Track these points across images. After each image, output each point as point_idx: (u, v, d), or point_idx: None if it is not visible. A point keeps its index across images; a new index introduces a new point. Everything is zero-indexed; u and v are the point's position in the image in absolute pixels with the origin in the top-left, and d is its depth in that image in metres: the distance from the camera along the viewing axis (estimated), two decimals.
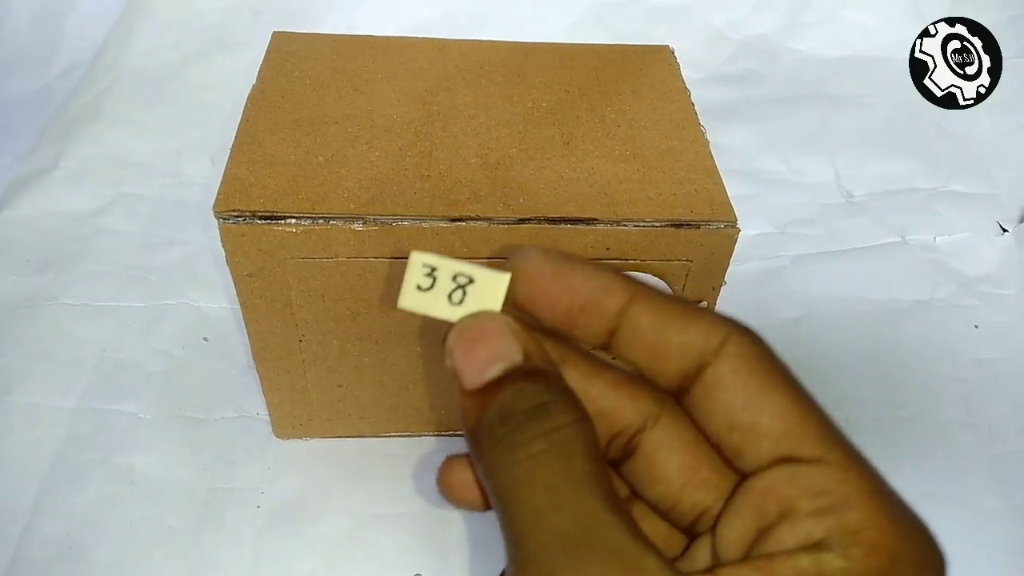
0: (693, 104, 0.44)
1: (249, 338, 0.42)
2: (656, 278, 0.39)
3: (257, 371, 0.44)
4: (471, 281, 0.25)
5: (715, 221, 0.38)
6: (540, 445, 0.22)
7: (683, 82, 0.46)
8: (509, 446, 0.22)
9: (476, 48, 0.47)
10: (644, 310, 0.23)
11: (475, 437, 0.23)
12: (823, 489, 0.22)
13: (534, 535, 0.21)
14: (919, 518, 0.22)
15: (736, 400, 0.23)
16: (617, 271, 0.24)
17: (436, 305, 0.25)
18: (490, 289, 0.25)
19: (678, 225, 0.37)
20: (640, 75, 0.46)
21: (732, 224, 0.38)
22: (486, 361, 0.23)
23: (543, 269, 0.23)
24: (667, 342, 0.23)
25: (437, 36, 0.48)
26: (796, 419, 0.23)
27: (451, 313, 0.25)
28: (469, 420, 0.23)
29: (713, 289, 0.41)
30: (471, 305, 0.25)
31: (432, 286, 0.25)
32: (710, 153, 0.41)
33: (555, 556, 0.20)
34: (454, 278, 0.25)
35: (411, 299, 0.25)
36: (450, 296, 0.25)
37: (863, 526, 0.21)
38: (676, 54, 0.48)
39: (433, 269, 0.26)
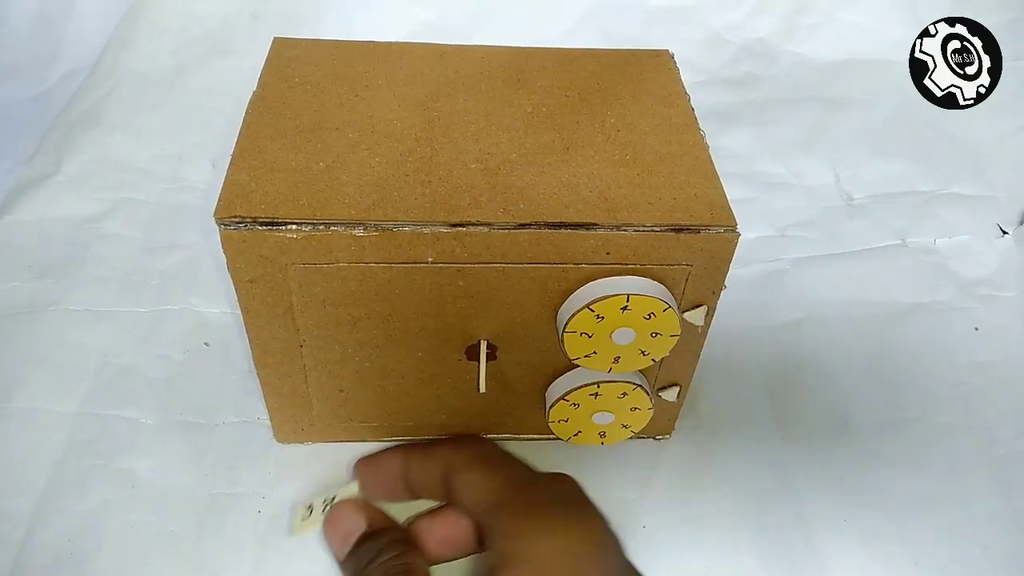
0: (693, 108, 0.44)
1: (250, 343, 0.42)
2: (655, 282, 0.39)
3: (258, 376, 0.44)
4: (334, 497, 0.42)
5: (715, 225, 0.38)
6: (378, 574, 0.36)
7: (683, 86, 0.46)
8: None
9: (476, 53, 0.47)
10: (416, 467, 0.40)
11: None
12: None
13: None
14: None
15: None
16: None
17: (317, 520, 0.41)
18: (348, 494, 0.42)
19: (678, 229, 0.37)
20: (640, 79, 0.46)
21: (732, 228, 0.38)
22: (343, 538, 0.39)
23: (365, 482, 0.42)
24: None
25: (436, 40, 0.48)
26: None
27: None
28: None
29: (713, 293, 0.41)
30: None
31: (311, 513, 0.42)
32: (710, 157, 0.41)
33: None
34: (323, 501, 0.42)
35: (298, 528, 0.42)
36: (324, 511, 0.41)
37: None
38: (675, 58, 0.48)
39: (308, 506, 0.43)
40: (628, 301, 0.38)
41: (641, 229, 0.37)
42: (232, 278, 0.39)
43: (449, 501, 0.39)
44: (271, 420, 0.48)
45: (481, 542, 0.38)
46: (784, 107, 0.75)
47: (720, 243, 0.38)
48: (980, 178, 0.70)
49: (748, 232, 0.64)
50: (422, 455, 0.40)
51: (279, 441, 0.49)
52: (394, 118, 0.42)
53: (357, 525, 0.39)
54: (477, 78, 0.45)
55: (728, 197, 0.39)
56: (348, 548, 0.39)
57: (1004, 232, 0.67)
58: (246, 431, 0.50)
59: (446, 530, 0.39)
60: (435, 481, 0.39)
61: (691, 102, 0.45)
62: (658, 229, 0.37)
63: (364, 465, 0.42)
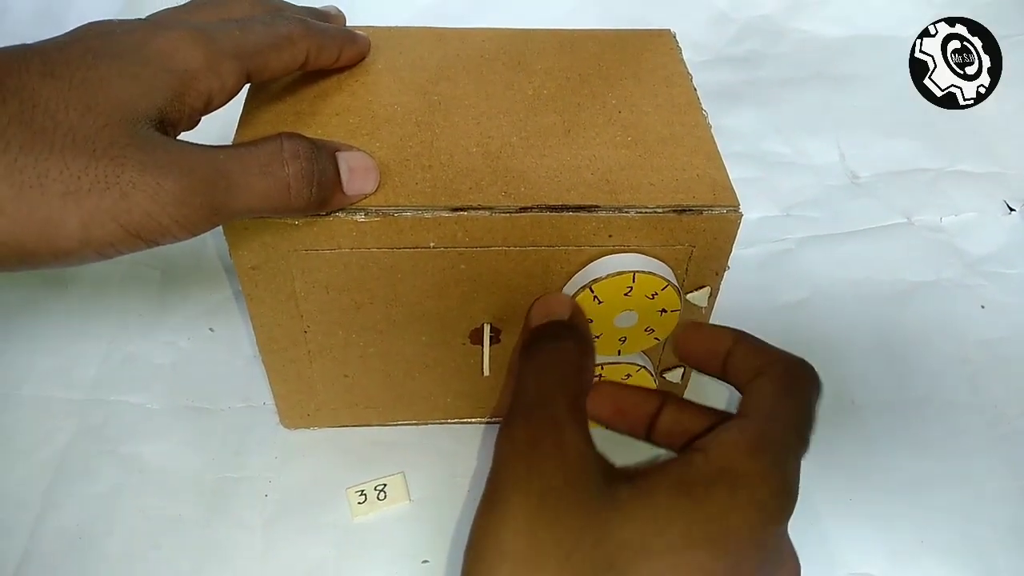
0: (695, 88, 0.44)
1: (254, 330, 0.42)
2: (659, 262, 0.39)
3: (263, 362, 0.45)
4: (385, 484, 0.47)
5: (717, 206, 0.37)
6: (543, 354, 0.36)
7: (685, 66, 0.46)
8: (530, 350, 0.37)
9: (476, 36, 0.47)
10: (741, 351, 0.37)
11: (521, 349, 0.38)
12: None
13: (514, 401, 0.34)
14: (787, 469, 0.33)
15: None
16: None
17: (377, 506, 0.46)
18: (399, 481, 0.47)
19: (680, 211, 0.37)
20: (641, 60, 0.46)
21: (735, 209, 0.38)
22: (545, 315, 0.39)
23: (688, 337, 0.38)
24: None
25: (436, 23, 0.47)
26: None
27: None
28: (522, 343, 0.41)
29: (716, 274, 0.41)
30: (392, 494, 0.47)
31: (365, 499, 0.46)
32: (712, 138, 0.41)
33: (517, 414, 0.33)
34: (375, 488, 0.46)
35: (357, 514, 0.46)
36: (377, 497, 0.46)
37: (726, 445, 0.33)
38: (678, 37, 0.48)
39: (360, 491, 0.46)
40: (634, 280, 0.38)
41: (643, 211, 0.37)
42: (235, 265, 0.39)
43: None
44: (277, 405, 0.48)
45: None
46: (789, 86, 0.75)
47: (723, 223, 0.38)
48: (986, 155, 0.70)
49: (752, 212, 0.64)
50: (757, 345, 0.37)
51: (285, 426, 0.49)
52: (394, 103, 0.41)
53: (562, 311, 0.39)
54: (477, 61, 0.45)
55: (732, 177, 0.39)
56: (541, 321, 0.39)
57: (1011, 209, 0.66)
58: (252, 416, 0.50)
59: (631, 404, 0.38)
60: (746, 379, 0.36)
61: (694, 82, 0.44)
62: (660, 210, 0.37)
63: (695, 326, 0.39)
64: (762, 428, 0.33)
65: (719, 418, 0.37)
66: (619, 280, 0.38)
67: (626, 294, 0.39)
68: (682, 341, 0.39)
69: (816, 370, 0.36)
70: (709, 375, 0.38)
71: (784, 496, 0.33)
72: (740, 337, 0.37)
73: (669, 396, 0.39)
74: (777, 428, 0.34)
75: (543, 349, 0.37)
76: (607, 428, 0.38)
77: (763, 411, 0.34)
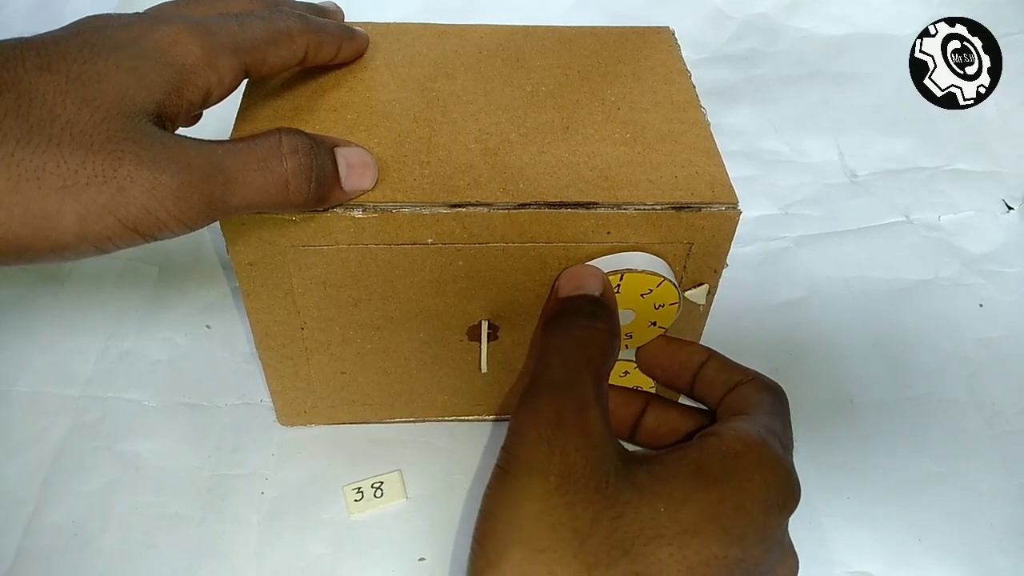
0: (694, 85, 0.44)
1: (251, 326, 0.42)
2: (657, 258, 0.39)
3: (260, 359, 0.44)
4: (382, 482, 0.47)
5: (716, 203, 0.37)
6: (574, 331, 0.36)
7: (684, 63, 0.45)
8: (559, 324, 0.37)
9: (475, 33, 0.46)
10: (712, 367, 0.39)
11: (546, 318, 0.39)
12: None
13: (539, 376, 0.34)
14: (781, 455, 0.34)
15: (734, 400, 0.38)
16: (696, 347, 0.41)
17: (374, 504, 0.46)
18: (396, 479, 0.47)
19: (679, 208, 0.37)
20: (640, 57, 0.46)
21: (733, 206, 0.38)
22: (576, 287, 0.38)
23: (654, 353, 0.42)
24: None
25: (435, 19, 0.47)
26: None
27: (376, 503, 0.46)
28: (547, 312, 0.39)
29: (715, 271, 0.41)
30: (389, 492, 0.46)
31: (362, 497, 0.46)
32: (711, 135, 0.41)
33: (542, 389, 0.33)
34: (371, 485, 0.46)
35: (353, 511, 0.46)
36: (374, 495, 0.46)
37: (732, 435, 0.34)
38: (677, 35, 0.48)
39: (357, 488, 0.46)
40: (621, 280, 0.38)
41: (642, 208, 0.37)
42: (232, 261, 0.39)
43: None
44: (274, 402, 0.48)
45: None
46: (787, 84, 0.75)
47: (721, 221, 0.38)
48: (985, 154, 0.70)
49: (751, 210, 0.64)
50: (728, 363, 0.40)
51: (282, 423, 0.49)
52: (392, 99, 0.41)
53: (594, 287, 0.38)
54: (476, 58, 0.45)
55: (730, 175, 0.39)
56: (571, 293, 0.38)
57: (1009, 208, 0.66)
58: (249, 413, 0.50)
59: (615, 405, 0.39)
60: (721, 390, 0.38)
61: (693, 79, 0.44)
62: (659, 207, 0.37)
63: (662, 342, 0.41)
64: (768, 424, 0.35)
65: (704, 418, 0.38)
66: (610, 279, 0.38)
67: (616, 292, 0.39)
68: (650, 355, 0.41)
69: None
70: (674, 389, 0.40)
71: (790, 489, 0.34)
72: (711, 353, 0.40)
73: (653, 397, 0.40)
74: (778, 426, 0.35)
75: (574, 324, 0.36)
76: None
77: (763, 410, 0.36)
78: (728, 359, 0.40)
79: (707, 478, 0.32)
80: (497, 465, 0.33)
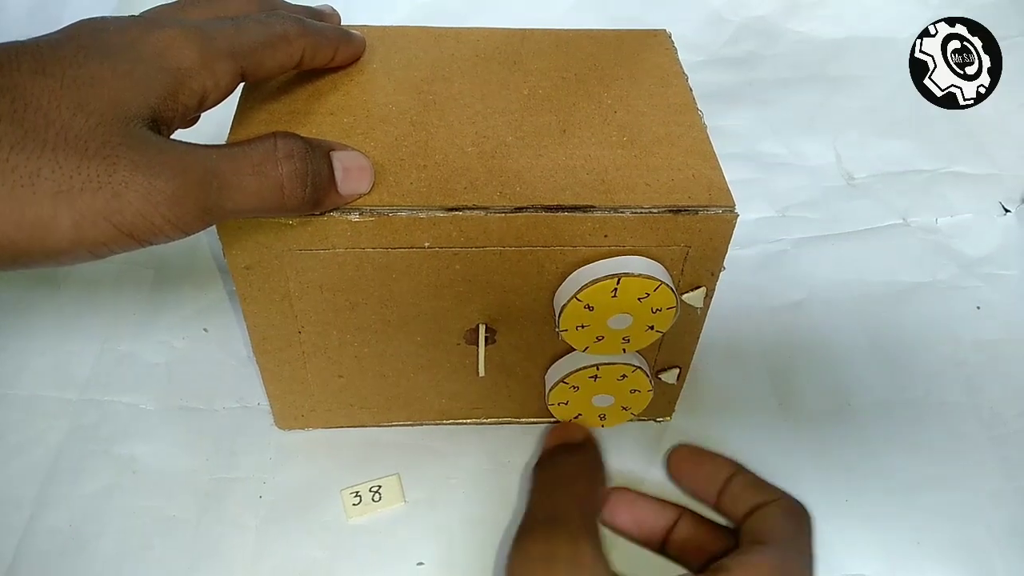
0: (691, 88, 0.44)
1: (248, 330, 0.42)
2: (654, 262, 0.39)
3: (257, 363, 0.44)
4: (380, 486, 0.46)
5: (713, 206, 0.37)
6: (559, 468, 0.39)
7: (680, 66, 0.45)
8: (544, 466, 0.40)
9: (471, 36, 0.46)
10: (739, 483, 0.37)
11: (536, 465, 0.41)
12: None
13: (529, 515, 0.36)
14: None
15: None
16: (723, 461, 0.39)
17: (372, 508, 0.46)
18: (394, 483, 0.47)
19: (676, 211, 0.37)
20: (637, 60, 0.46)
21: (730, 209, 0.37)
22: (560, 438, 0.43)
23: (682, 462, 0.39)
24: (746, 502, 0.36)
25: (431, 22, 0.47)
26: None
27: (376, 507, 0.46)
28: (537, 463, 0.41)
29: (712, 274, 0.41)
30: (387, 496, 0.46)
31: (360, 501, 0.46)
32: (708, 138, 0.41)
33: (533, 528, 0.35)
34: (369, 489, 0.46)
35: (352, 515, 0.46)
36: (372, 499, 0.46)
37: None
38: (674, 37, 0.48)
39: (355, 492, 0.46)
40: (618, 284, 0.38)
41: (639, 211, 0.37)
42: (229, 265, 0.39)
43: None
44: (271, 406, 0.48)
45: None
46: (785, 86, 0.74)
47: (719, 224, 0.38)
48: (982, 156, 0.70)
49: (749, 213, 0.64)
50: (756, 478, 0.38)
51: (279, 427, 0.49)
52: (389, 102, 0.41)
53: (577, 437, 0.42)
54: (473, 61, 0.45)
55: (728, 178, 0.39)
56: (556, 444, 0.42)
57: (1006, 210, 0.66)
58: (246, 416, 0.50)
59: (648, 515, 0.39)
60: (745, 509, 0.36)
61: (690, 82, 0.44)
62: (656, 211, 0.37)
63: (690, 451, 0.40)
64: (783, 554, 0.33)
65: (734, 538, 0.36)
66: (604, 285, 0.38)
67: (613, 296, 0.39)
68: (679, 466, 0.40)
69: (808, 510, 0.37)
70: (700, 501, 0.39)
71: None
72: (739, 468, 0.38)
73: (685, 511, 0.39)
74: (795, 556, 0.34)
75: (557, 463, 0.40)
76: (623, 537, 0.39)
77: (781, 538, 0.34)
78: (755, 475, 0.38)
79: None
80: None
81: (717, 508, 0.38)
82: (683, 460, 0.39)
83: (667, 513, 0.38)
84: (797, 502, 0.36)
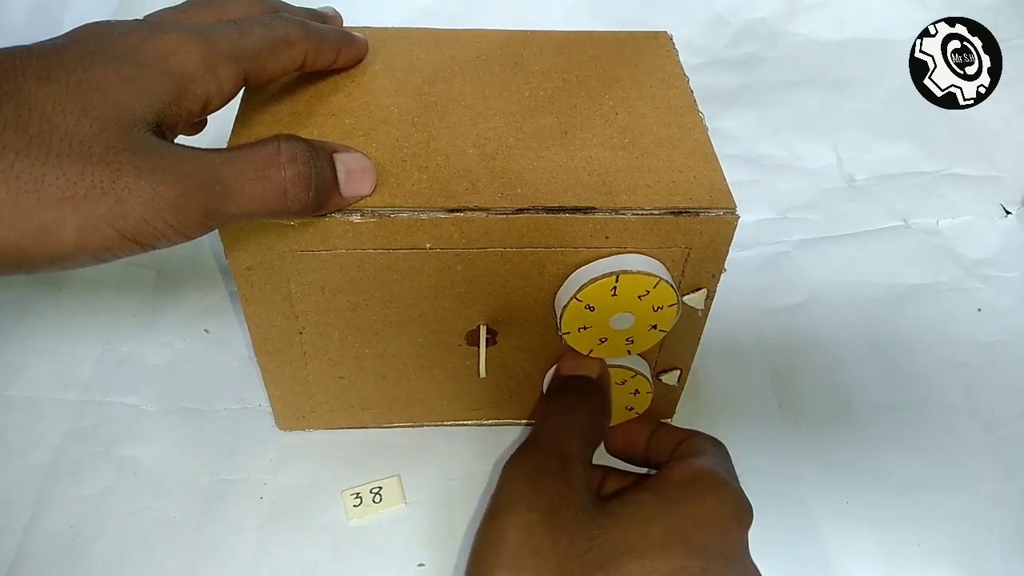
0: (692, 90, 0.44)
1: (249, 331, 0.42)
2: (653, 260, 0.39)
3: (258, 364, 0.44)
4: (380, 487, 0.47)
5: (714, 208, 0.37)
6: (567, 402, 0.42)
7: (681, 68, 0.45)
8: (555, 394, 0.44)
9: (473, 37, 0.46)
10: (660, 434, 0.44)
11: (548, 389, 0.46)
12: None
13: (533, 434, 0.40)
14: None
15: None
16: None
17: (373, 509, 0.46)
18: (395, 484, 0.47)
19: (677, 213, 0.37)
20: (638, 62, 0.46)
21: (731, 211, 0.38)
22: (575, 368, 0.44)
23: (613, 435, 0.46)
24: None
25: (433, 24, 0.47)
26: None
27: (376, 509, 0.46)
28: (549, 386, 0.46)
29: (713, 276, 0.41)
30: (387, 497, 0.47)
31: (361, 502, 0.46)
32: (709, 140, 0.41)
33: (531, 443, 0.39)
34: (370, 491, 0.47)
35: (353, 516, 0.46)
36: (373, 500, 0.46)
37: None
38: (675, 39, 0.48)
39: (356, 494, 0.46)
40: (617, 281, 0.38)
41: (640, 213, 0.37)
42: (230, 266, 0.39)
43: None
44: (272, 407, 0.48)
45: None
46: (785, 88, 0.75)
47: (719, 226, 0.38)
48: (983, 158, 0.70)
49: (749, 215, 0.64)
50: (673, 428, 0.45)
51: (280, 428, 0.49)
52: (391, 103, 0.41)
53: (590, 369, 0.43)
54: (474, 62, 0.45)
55: (729, 180, 0.39)
56: (571, 373, 0.44)
57: (1007, 212, 0.66)
58: (247, 418, 0.50)
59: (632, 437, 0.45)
60: (669, 448, 0.42)
61: (690, 84, 0.44)
62: (657, 212, 0.37)
63: (621, 425, 0.46)
64: (711, 459, 0.40)
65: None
66: (603, 283, 0.38)
67: (612, 295, 0.39)
68: (612, 439, 0.46)
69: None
70: (633, 463, 0.45)
71: (741, 507, 0.38)
72: (659, 424, 0.45)
73: (659, 424, 0.46)
74: (720, 461, 0.40)
75: (569, 397, 0.42)
76: (621, 459, 0.46)
77: (709, 451, 0.41)
78: (672, 425, 0.47)
79: (668, 501, 0.37)
80: (488, 505, 0.37)
81: (647, 463, 0.45)
82: (615, 434, 0.46)
83: (647, 425, 0.45)
84: (710, 436, 0.43)
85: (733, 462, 0.41)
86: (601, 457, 0.45)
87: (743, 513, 0.38)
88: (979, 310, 0.59)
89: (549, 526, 0.35)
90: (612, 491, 0.42)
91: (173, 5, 0.37)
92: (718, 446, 0.41)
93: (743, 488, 0.38)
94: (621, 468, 0.44)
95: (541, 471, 0.37)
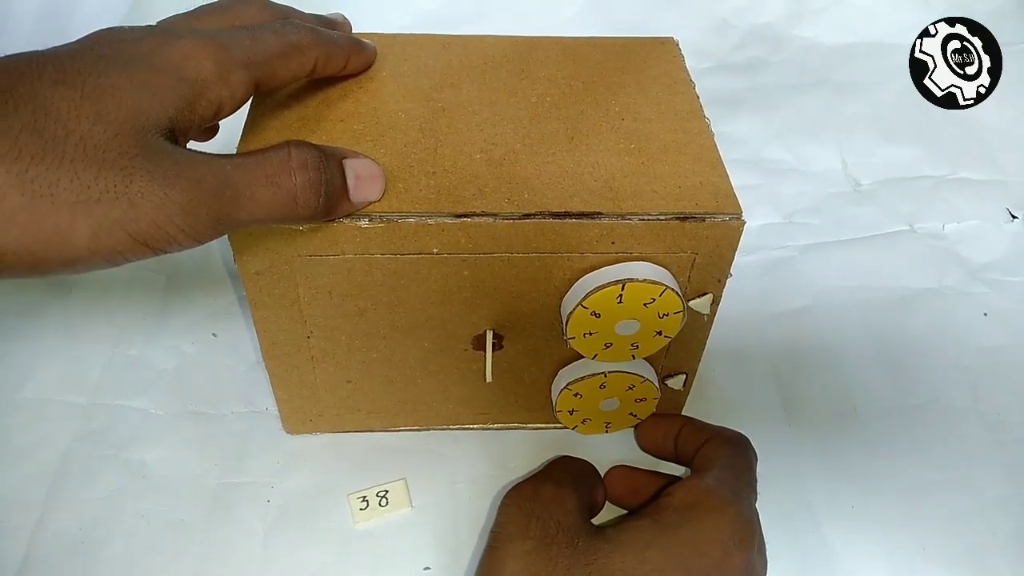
0: (698, 95, 0.44)
1: (258, 335, 0.42)
2: (660, 267, 0.39)
3: (266, 368, 0.45)
4: (387, 491, 0.47)
5: (720, 213, 0.38)
6: (563, 462, 0.46)
7: (687, 74, 0.46)
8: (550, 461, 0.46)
9: (480, 43, 0.47)
10: (687, 431, 0.46)
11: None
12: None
13: (529, 476, 0.43)
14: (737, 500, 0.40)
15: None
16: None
17: (379, 513, 0.46)
18: (401, 488, 0.47)
19: (683, 218, 0.37)
20: (644, 68, 0.46)
21: (737, 216, 0.38)
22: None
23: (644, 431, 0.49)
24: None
25: (440, 31, 0.48)
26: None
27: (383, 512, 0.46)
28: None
29: (719, 281, 0.41)
30: (394, 501, 0.47)
31: (367, 505, 0.46)
32: (715, 145, 0.41)
33: (527, 480, 0.42)
34: (376, 494, 0.46)
35: (359, 520, 0.46)
36: (379, 503, 0.46)
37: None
38: (680, 44, 0.48)
39: (362, 497, 0.46)
40: (623, 289, 0.38)
41: (646, 218, 0.37)
42: (239, 270, 0.39)
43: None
44: (280, 411, 0.48)
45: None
46: (791, 92, 0.75)
47: (725, 231, 0.38)
48: (989, 163, 0.70)
49: (755, 219, 0.64)
50: (700, 425, 0.47)
51: (287, 431, 0.50)
52: (398, 109, 0.42)
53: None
54: (481, 68, 0.45)
55: (734, 184, 0.39)
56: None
57: (1013, 217, 0.66)
58: (255, 421, 0.50)
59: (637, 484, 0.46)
60: (692, 451, 0.44)
61: (697, 89, 0.44)
62: (663, 218, 0.37)
63: (651, 418, 0.48)
64: (718, 475, 0.41)
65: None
66: (609, 291, 0.38)
67: (619, 302, 0.39)
68: (641, 433, 0.49)
69: (750, 440, 0.45)
70: (663, 459, 0.48)
71: (742, 526, 0.38)
72: (686, 421, 0.47)
73: (686, 420, 0.48)
74: (729, 475, 0.41)
75: (562, 461, 0.46)
76: (624, 508, 0.46)
77: (717, 464, 0.42)
78: (700, 422, 0.47)
79: (667, 526, 0.38)
80: (488, 539, 0.39)
81: (677, 459, 0.47)
82: (644, 428, 0.48)
83: (657, 478, 0.46)
84: (734, 432, 0.45)
85: None
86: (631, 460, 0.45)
87: (745, 534, 0.38)
88: (985, 314, 0.59)
89: (546, 554, 0.37)
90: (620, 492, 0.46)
91: (184, 11, 0.37)
92: (734, 451, 0.43)
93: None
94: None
95: (536, 500, 0.40)
